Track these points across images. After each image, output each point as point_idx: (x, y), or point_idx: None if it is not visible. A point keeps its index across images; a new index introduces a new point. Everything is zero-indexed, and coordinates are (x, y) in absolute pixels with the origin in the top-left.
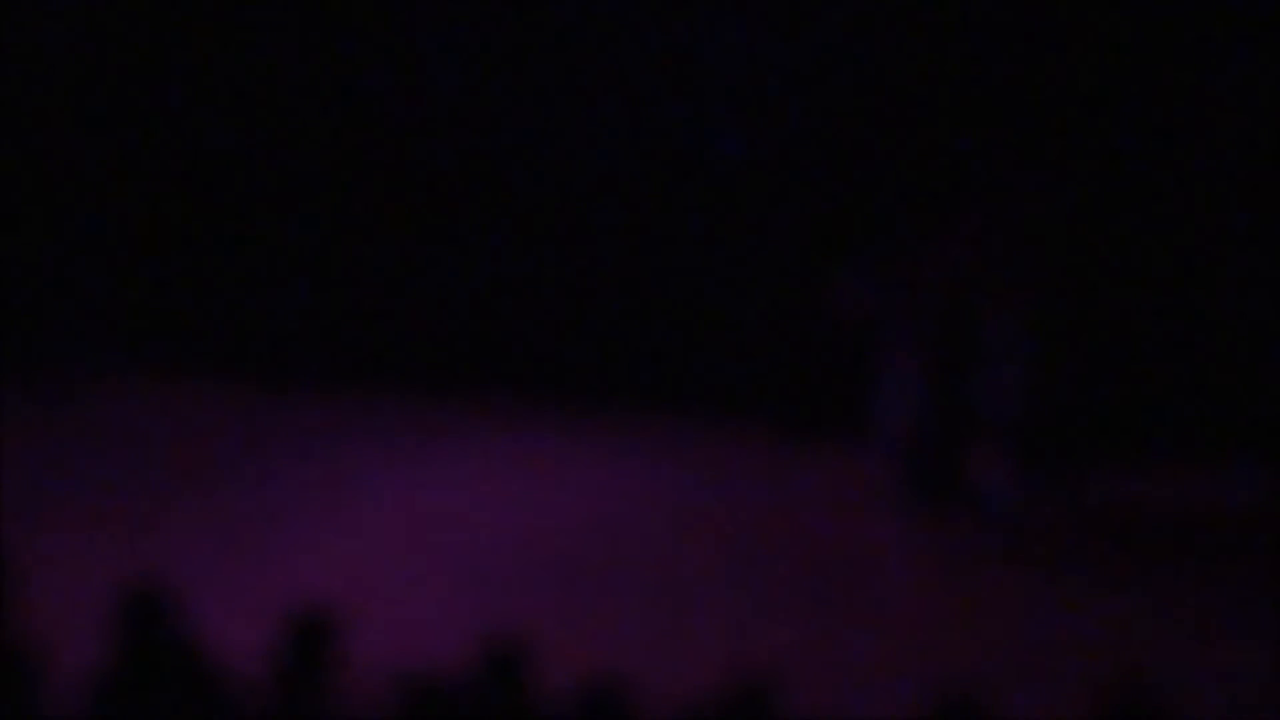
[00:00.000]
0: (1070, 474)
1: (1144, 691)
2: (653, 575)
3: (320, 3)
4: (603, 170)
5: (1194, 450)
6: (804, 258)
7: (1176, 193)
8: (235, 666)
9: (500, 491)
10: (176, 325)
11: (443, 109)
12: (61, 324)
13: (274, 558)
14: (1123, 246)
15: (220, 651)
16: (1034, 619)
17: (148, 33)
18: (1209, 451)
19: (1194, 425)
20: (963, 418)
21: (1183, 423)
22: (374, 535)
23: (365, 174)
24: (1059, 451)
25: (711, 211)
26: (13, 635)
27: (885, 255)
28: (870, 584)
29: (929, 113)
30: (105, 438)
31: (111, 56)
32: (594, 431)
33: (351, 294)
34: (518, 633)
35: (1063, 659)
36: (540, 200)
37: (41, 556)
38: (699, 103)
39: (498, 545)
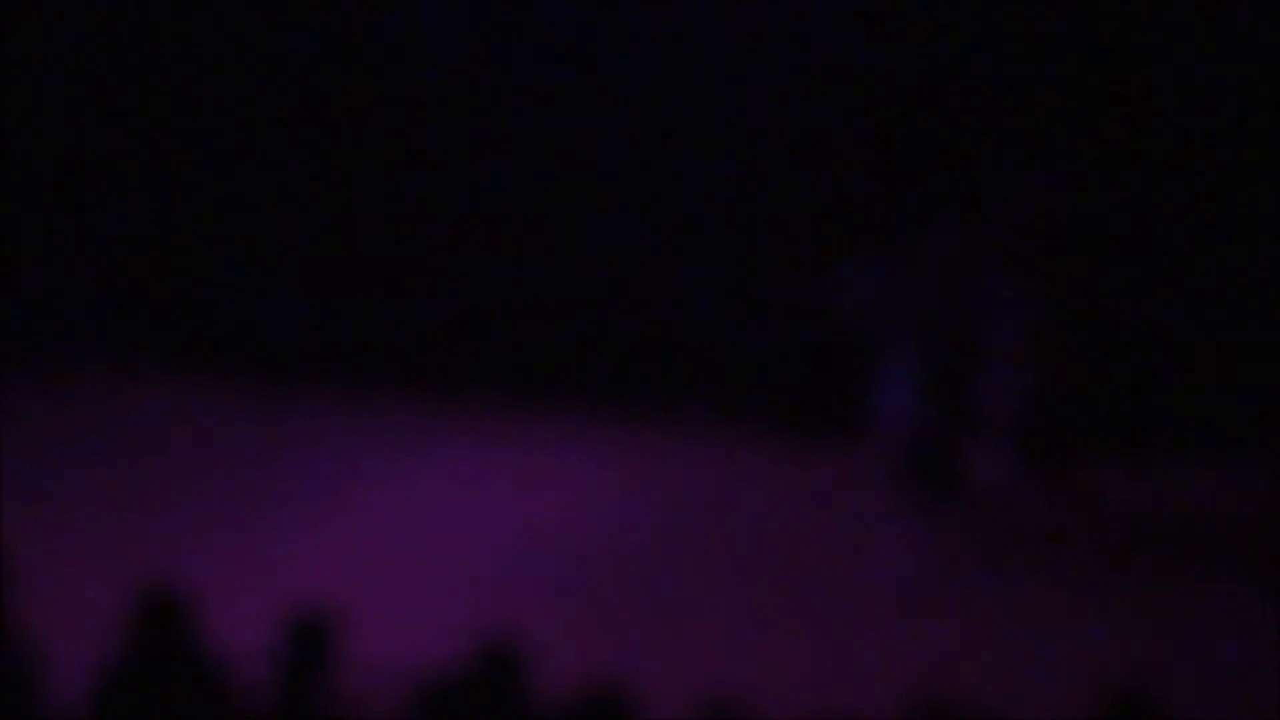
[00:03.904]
0: (1070, 471)
1: (1144, 691)
2: (652, 574)
3: (324, 1)
4: (603, 171)
5: (1193, 449)
6: (804, 257)
7: (1177, 190)
8: (236, 666)
9: (500, 492)
10: (178, 325)
11: (446, 110)
12: (61, 323)
13: (274, 558)
14: (1123, 243)
15: (221, 651)
16: (1033, 616)
17: (148, 30)
18: (1208, 450)
19: (1194, 423)
20: (962, 415)
21: (1182, 420)
22: (374, 535)
23: (367, 174)
24: (1059, 449)
25: (712, 211)
26: (12, 635)
27: (887, 254)
28: (868, 582)
29: (930, 112)
30: (105, 438)
31: (113, 55)
32: (594, 431)
33: (352, 295)
34: (516, 633)
35: (1062, 656)
36: (541, 201)
37: (42, 556)
38: (701, 101)
39: (498, 545)
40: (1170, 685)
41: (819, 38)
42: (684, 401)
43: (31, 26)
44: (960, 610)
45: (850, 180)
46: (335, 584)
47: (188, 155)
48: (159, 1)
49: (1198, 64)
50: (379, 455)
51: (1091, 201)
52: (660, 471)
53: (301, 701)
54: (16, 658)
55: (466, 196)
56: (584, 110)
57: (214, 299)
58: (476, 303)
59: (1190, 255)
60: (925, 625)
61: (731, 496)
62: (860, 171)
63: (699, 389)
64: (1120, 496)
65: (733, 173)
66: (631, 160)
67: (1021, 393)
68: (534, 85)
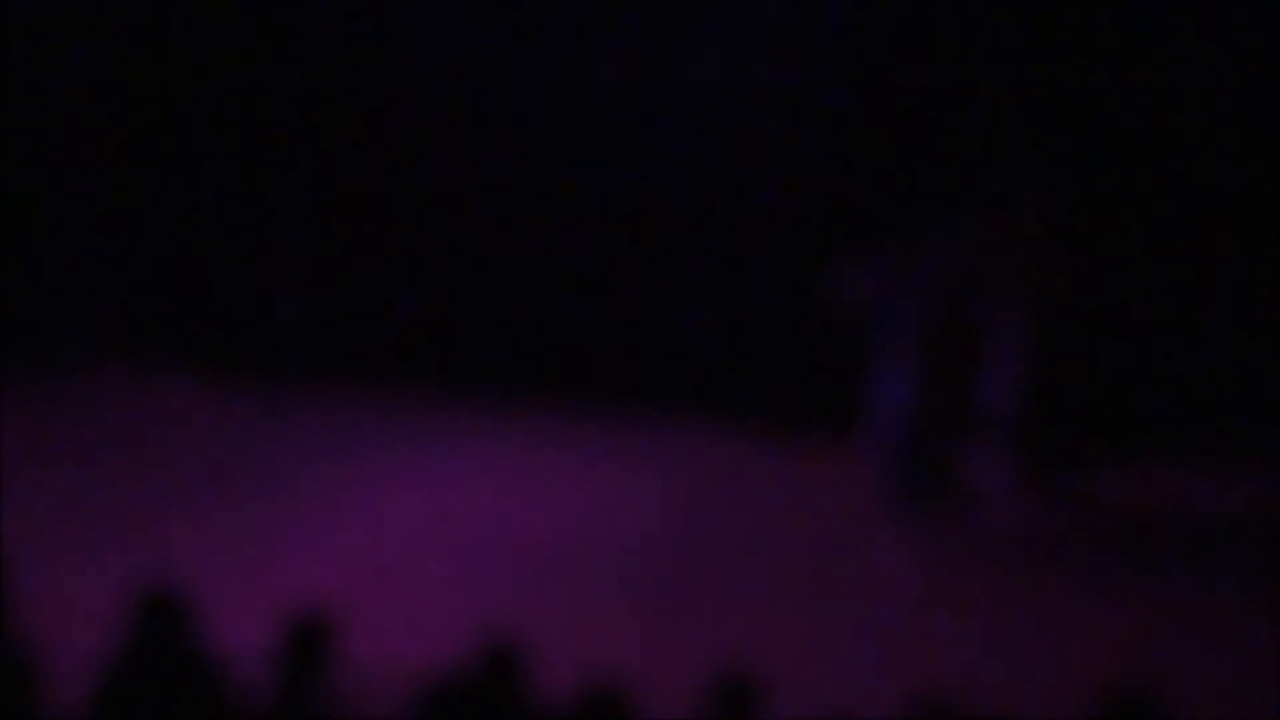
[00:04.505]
0: (1068, 473)
1: (1144, 692)
2: (652, 574)
3: (325, 2)
4: (599, 171)
5: (1194, 450)
6: (804, 256)
7: (1176, 191)
8: (236, 666)
9: (499, 492)
10: (178, 325)
11: (446, 110)
12: (61, 323)
13: (273, 558)
14: (1122, 244)
15: (221, 651)
16: (1031, 619)
17: (149, 30)
18: (1209, 451)
19: (1194, 425)
20: (960, 416)
21: (1183, 422)
22: (373, 536)
23: (368, 175)
24: (1057, 450)
25: (710, 210)
26: (12, 635)
27: (885, 253)
28: (865, 584)
29: (929, 112)
30: (105, 438)
31: (114, 54)
32: (593, 431)
33: (352, 296)
34: (516, 633)
35: (1061, 659)
36: (540, 201)
37: (42, 556)
38: (700, 102)
39: (497, 545)
40: (1170, 685)
41: (818, 35)
42: (682, 400)
43: (36, 25)
44: (960, 610)
45: (849, 178)
46: (335, 584)
47: (188, 154)
48: (168, 4)
49: (1199, 65)
50: (378, 456)
51: (1091, 201)
52: (659, 471)
53: (301, 701)
54: (16, 658)
55: (466, 197)
56: (581, 109)
57: (215, 299)
58: (476, 303)
59: (1190, 254)
60: (924, 625)
61: (730, 496)
62: (859, 170)
63: (697, 389)
64: (1120, 496)
65: (731, 170)
66: (630, 159)
67: (1021, 393)
68: (533, 84)
